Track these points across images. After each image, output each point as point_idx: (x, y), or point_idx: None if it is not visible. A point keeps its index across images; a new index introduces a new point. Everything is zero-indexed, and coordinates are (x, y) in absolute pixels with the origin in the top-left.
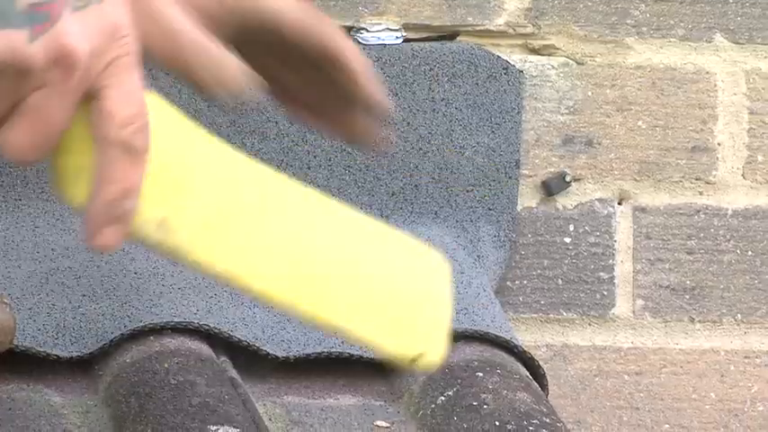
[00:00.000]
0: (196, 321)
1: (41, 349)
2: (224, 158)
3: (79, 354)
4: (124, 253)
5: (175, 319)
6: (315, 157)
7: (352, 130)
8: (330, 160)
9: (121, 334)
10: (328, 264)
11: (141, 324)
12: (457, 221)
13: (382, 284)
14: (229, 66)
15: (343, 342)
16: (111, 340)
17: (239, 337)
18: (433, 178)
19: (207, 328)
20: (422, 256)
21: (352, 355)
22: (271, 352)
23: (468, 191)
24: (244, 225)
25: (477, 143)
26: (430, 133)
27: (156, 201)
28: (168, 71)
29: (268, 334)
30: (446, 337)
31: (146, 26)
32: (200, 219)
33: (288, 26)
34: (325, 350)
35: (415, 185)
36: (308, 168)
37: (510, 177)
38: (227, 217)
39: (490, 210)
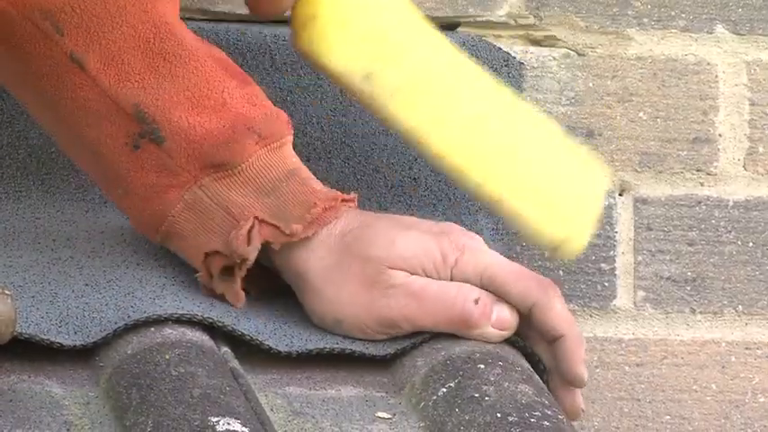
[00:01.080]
0: (199, 314)
1: (45, 337)
2: (426, 35)
3: (82, 343)
4: (126, 244)
5: (179, 312)
6: (314, 149)
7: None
8: (329, 153)
9: (125, 324)
10: (501, 141)
11: (145, 315)
12: (455, 214)
13: (545, 171)
14: None
15: (344, 337)
16: (115, 330)
17: (242, 330)
18: (432, 171)
19: (210, 320)
20: (586, 161)
21: (354, 352)
22: (273, 346)
23: None
24: (436, 92)
25: None
26: None
27: (365, 56)
28: None
29: (270, 328)
30: (590, 233)
31: None
32: (400, 79)
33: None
34: (327, 346)
35: (414, 178)
36: (308, 161)
37: None
38: (424, 82)
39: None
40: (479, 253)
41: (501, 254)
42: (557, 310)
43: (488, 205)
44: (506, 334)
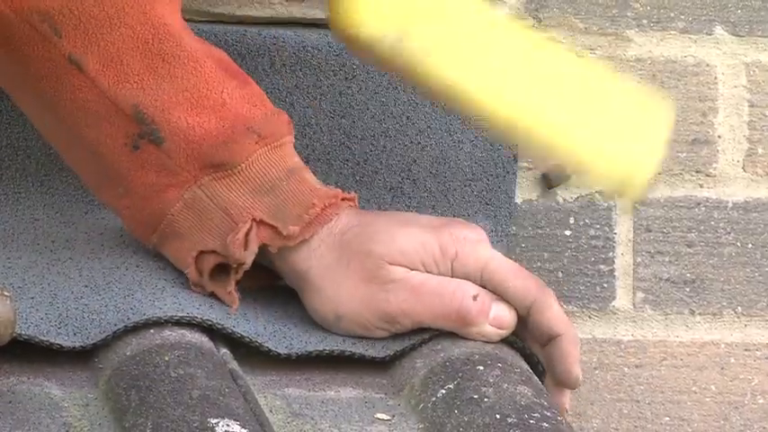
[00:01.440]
0: (199, 316)
1: (44, 338)
2: None
3: (82, 344)
4: (125, 246)
5: (179, 314)
6: (313, 151)
7: None
8: (329, 154)
9: (125, 326)
10: (544, 85)
11: (145, 317)
12: (454, 216)
13: (598, 110)
14: None
15: (344, 339)
16: (115, 331)
17: (242, 332)
18: (431, 172)
19: (210, 322)
20: (648, 97)
21: (354, 354)
22: (272, 348)
23: (465, 185)
24: (471, 47)
25: (476, 137)
26: (429, 127)
27: (396, 19)
28: None
29: (270, 330)
30: (655, 174)
31: None
32: (433, 38)
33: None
34: (327, 348)
35: (413, 180)
36: (307, 162)
37: (508, 172)
38: (457, 38)
39: (487, 204)
40: (480, 246)
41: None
42: (555, 309)
43: (543, 152)
44: (504, 333)
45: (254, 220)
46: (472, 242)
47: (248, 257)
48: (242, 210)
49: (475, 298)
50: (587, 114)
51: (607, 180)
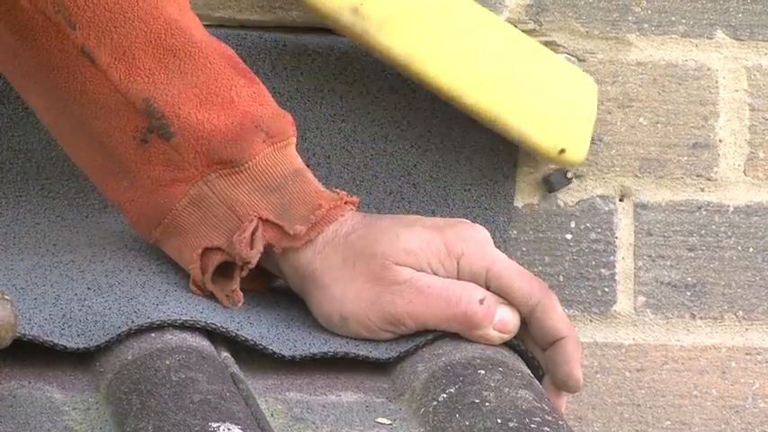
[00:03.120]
0: (203, 320)
1: (48, 338)
2: None
3: (86, 346)
4: (126, 249)
5: (183, 317)
6: (314, 154)
7: None
8: (329, 158)
9: (129, 329)
10: (493, 62)
11: (149, 320)
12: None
13: (537, 86)
14: None
15: (347, 342)
16: (119, 334)
17: (245, 336)
18: (431, 177)
19: (213, 326)
20: (574, 73)
21: (358, 356)
22: (277, 351)
23: (465, 190)
24: (425, 19)
25: (476, 142)
26: (429, 131)
27: None
28: None
29: (273, 333)
30: (588, 141)
31: None
32: (388, 9)
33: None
34: (331, 350)
35: (413, 184)
36: (308, 166)
37: (507, 177)
38: (412, 10)
39: (486, 209)
40: (486, 246)
41: None
42: (558, 312)
43: (486, 124)
44: (507, 337)
45: (260, 218)
46: (478, 242)
47: (254, 257)
48: (248, 208)
49: (481, 302)
50: (525, 89)
51: (546, 150)
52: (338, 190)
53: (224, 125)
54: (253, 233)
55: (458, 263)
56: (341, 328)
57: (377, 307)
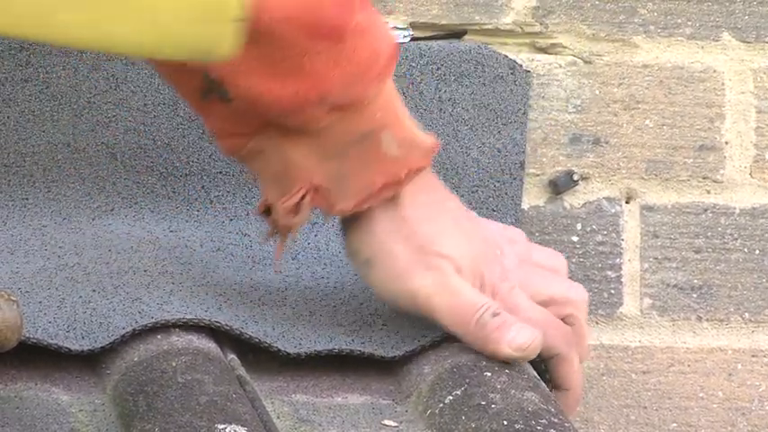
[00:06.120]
0: (207, 319)
1: (53, 341)
2: None
3: (90, 348)
4: (132, 251)
5: (187, 316)
6: None
7: None
8: None
9: (133, 329)
10: None
11: (153, 320)
12: None
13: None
14: None
15: (353, 339)
16: (123, 335)
17: (250, 334)
18: (438, 178)
19: (218, 324)
20: None
21: (363, 353)
22: (282, 348)
23: (472, 191)
24: None
25: (483, 143)
26: (436, 133)
27: None
28: None
29: (278, 331)
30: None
31: None
32: None
33: None
34: (336, 347)
35: None
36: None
37: (515, 178)
38: None
39: (494, 211)
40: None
41: None
42: (575, 367)
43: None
44: (524, 356)
45: (312, 185)
46: (540, 274)
47: (297, 225)
48: (302, 171)
49: (495, 315)
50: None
51: (191, 49)
52: (424, 142)
53: (287, 97)
54: (301, 199)
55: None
56: (359, 269)
57: (405, 272)
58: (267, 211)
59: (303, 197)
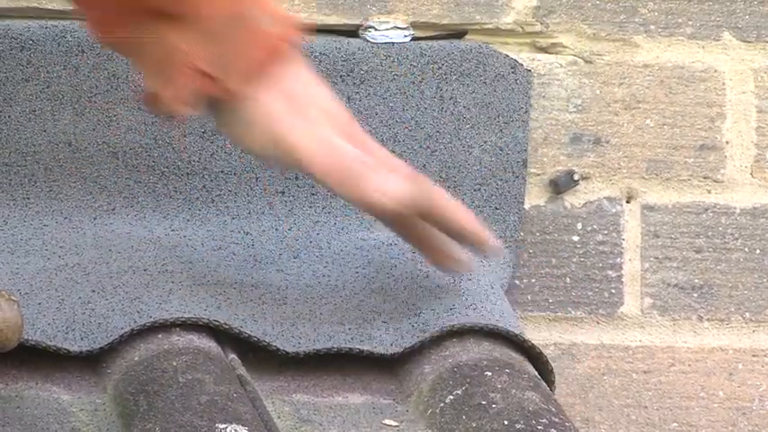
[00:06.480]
0: (206, 317)
1: (51, 343)
2: None
3: (89, 349)
4: (133, 251)
5: (186, 315)
6: None
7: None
8: None
9: (132, 329)
10: None
11: (152, 320)
12: None
13: None
14: None
15: (353, 338)
16: (122, 335)
17: (249, 332)
18: (441, 177)
19: (217, 323)
20: None
21: (362, 351)
22: (280, 347)
23: (475, 190)
24: None
25: (485, 142)
26: (438, 132)
27: None
28: None
29: (278, 330)
30: None
31: None
32: None
33: None
34: (335, 346)
35: None
36: None
37: (517, 177)
38: None
39: (497, 209)
40: None
41: (511, 260)
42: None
43: None
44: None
45: (197, 70)
46: None
47: (182, 111)
48: (185, 57)
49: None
50: None
51: None
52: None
53: None
54: (185, 85)
55: None
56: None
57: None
58: (154, 101)
59: (187, 82)
